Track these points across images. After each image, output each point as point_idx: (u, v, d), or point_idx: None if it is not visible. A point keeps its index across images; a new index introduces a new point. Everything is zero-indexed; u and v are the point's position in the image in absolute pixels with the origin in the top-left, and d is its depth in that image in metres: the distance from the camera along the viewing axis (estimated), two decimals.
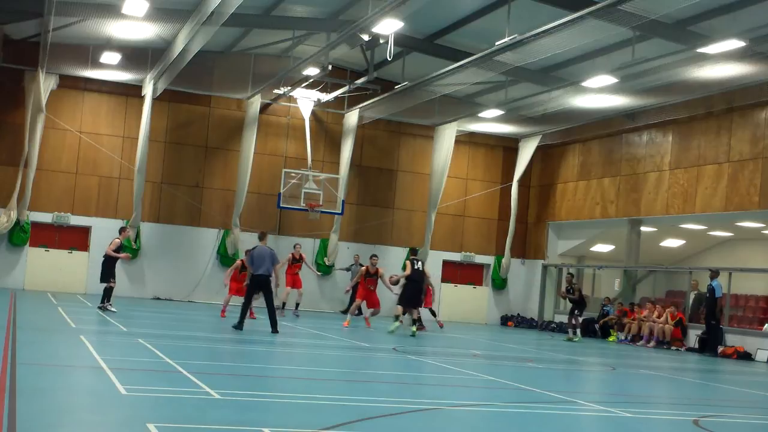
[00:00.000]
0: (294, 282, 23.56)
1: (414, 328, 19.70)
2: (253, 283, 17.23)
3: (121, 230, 20.71)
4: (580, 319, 24.67)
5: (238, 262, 21.54)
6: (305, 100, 27.66)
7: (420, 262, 20.48)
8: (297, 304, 24.26)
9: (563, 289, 24.89)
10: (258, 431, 6.93)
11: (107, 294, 19.43)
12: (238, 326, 16.88)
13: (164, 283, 26.87)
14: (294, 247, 24.17)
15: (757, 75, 20.83)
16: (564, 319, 29.69)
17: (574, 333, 24.24)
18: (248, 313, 17.99)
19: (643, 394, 12.84)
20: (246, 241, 27.65)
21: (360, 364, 13.39)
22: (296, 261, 23.65)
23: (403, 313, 20.42)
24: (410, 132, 30.50)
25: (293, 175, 26.84)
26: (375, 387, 10.74)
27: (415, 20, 22.02)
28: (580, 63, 23.41)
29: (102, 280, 19.54)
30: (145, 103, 26.22)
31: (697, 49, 19.58)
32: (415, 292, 20.23)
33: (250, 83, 27.21)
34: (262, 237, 17.76)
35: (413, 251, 21.28)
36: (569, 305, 24.69)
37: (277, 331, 16.88)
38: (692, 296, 25.90)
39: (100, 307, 19.27)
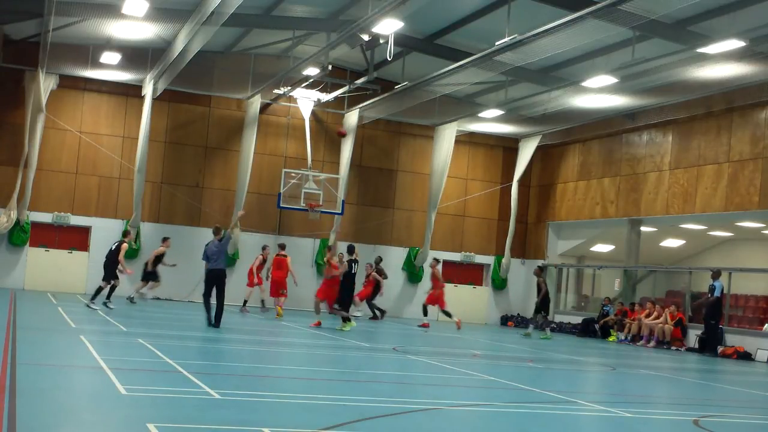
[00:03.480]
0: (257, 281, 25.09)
1: (342, 326, 19.53)
2: (207, 276, 17.40)
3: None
4: (548, 317, 24.54)
5: (259, 256, 24.43)
6: (305, 100, 27.65)
7: (356, 264, 19.96)
8: (245, 301, 25.07)
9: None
10: (258, 431, 6.93)
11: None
12: (209, 322, 17.14)
13: (164, 283, 26.76)
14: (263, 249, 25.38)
15: (757, 75, 20.82)
16: (563, 318, 29.76)
17: (543, 329, 24.14)
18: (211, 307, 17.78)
19: (643, 394, 12.83)
20: (246, 241, 27.72)
21: (360, 364, 13.38)
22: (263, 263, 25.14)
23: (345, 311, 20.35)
24: (410, 132, 30.50)
25: (293, 175, 26.82)
26: (375, 387, 10.73)
27: (415, 20, 22.02)
28: (580, 63, 23.41)
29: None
30: (145, 103, 26.21)
31: (697, 49, 19.59)
32: (342, 290, 19.85)
33: (250, 83, 27.20)
34: (216, 232, 17.79)
35: (349, 249, 20.42)
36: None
37: (218, 326, 16.90)
38: (688, 297, 25.97)
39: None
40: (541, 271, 24.53)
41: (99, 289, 20.16)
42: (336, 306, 19.97)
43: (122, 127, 27.19)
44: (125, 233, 21.49)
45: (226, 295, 17.50)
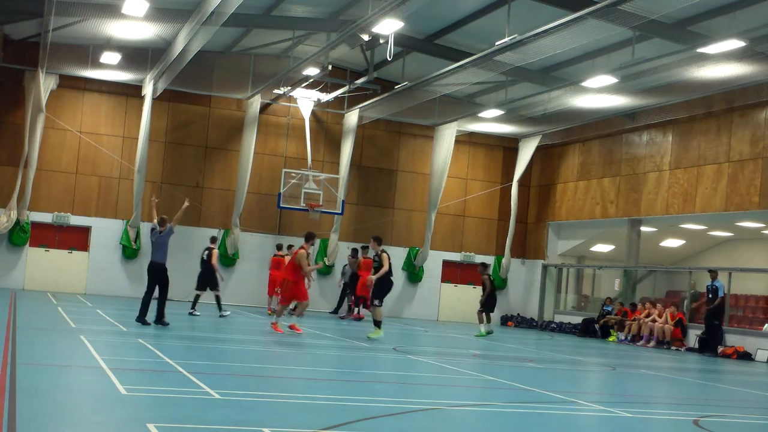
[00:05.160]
0: None
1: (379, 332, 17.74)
2: (148, 270, 17.20)
3: None
4: (490, 315, 24.02)
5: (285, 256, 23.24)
6: (305, 100, 27.65)
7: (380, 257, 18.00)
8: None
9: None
10: (258, 431, 6.93)
11: (218, 301, 21.27)
12: (139, 318, 16.63)
13: None
14: None
15: (757, 75, 20.83)
16: (564, 318, 29.75)
17: (482, 323, 22.99)
18: (150, 305, 17.33)
19: (643, 394, 12.84)
20: (246, 241, 27.72)
21: (360, 364, 13.39)
22: None
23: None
24: (410, 132, 30.50)
25: (293, 175, 26.82)
26: (375, 387, 10.74)
27: (415, 20, 22.02)
28: (580, 63, 23.41)
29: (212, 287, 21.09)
30: (145, 103, 26.21)
31: (697, 49, 19.59)
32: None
33: (250, 83, 27.21)
34: (161, 223, 17.48)
35: (377, 240, 18.21)
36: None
37: (162, 323, 16.62)
38: (688, 296, 25.97)
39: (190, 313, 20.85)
40: (484, 268, 23.98)
41: (197, 297, 20.85)
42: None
43: (122, 127, 27.19)
44: (213, 239, 21.55)
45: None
